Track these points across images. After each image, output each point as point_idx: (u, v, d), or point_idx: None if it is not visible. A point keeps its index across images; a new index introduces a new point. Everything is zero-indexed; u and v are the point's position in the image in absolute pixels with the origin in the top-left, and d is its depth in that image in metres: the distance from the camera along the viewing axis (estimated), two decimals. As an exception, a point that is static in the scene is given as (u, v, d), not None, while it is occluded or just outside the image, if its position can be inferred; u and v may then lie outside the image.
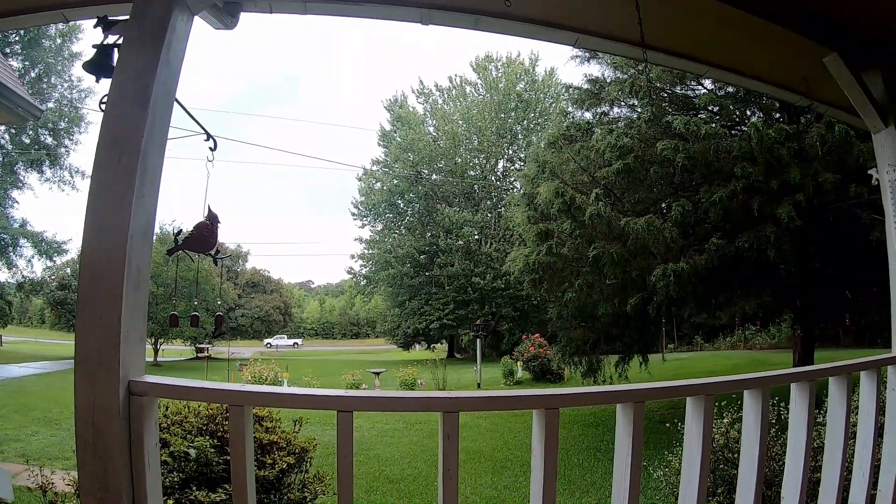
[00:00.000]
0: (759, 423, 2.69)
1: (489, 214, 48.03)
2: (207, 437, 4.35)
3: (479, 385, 23.74)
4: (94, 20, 2.53)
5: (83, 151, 35.99)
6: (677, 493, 5.94)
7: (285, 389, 2.14)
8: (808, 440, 2.87)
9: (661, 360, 25.81)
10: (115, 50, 2.41)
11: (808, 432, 2.87)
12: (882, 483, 3.31)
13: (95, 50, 2.50)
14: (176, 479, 4.08)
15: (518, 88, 48.67)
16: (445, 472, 2.11)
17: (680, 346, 35.15)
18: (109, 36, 2.50)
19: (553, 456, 2.19)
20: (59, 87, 34.97)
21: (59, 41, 33.96)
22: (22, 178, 34.52)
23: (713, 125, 11.61)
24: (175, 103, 2.27)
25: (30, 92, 30.69)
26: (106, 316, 1.89)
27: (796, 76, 4.20)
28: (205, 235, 2.75)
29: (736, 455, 5.37)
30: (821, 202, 10.96)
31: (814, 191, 10.51)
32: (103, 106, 2.11)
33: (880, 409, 3.27)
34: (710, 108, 13.19)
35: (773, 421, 5.50)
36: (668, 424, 6.14)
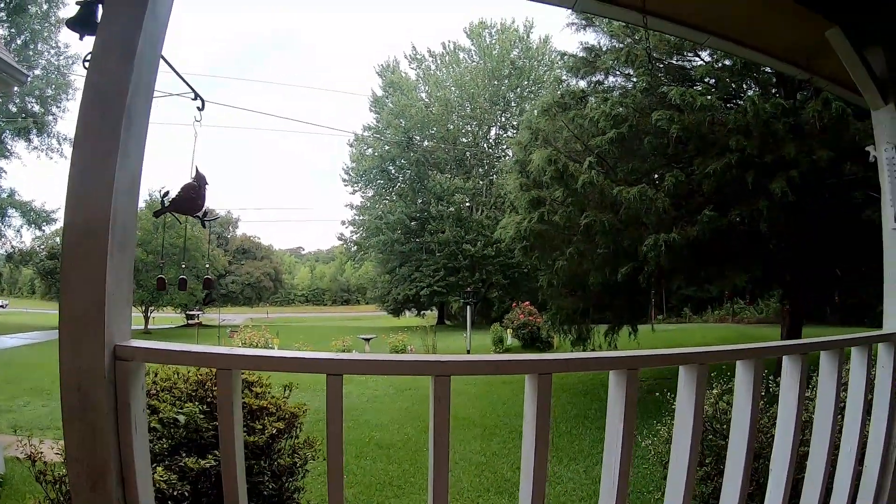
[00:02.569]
0: (751, 394, 2.68)
1: (481, 181, 48.02)
2: (197, 403, 4.33)
3: (468, 351, 23.87)
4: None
5: (70, 119, 35.81)
6: (665, 463, 5.99)
7: (274, 352, 2.16)
8: (798, 413, 2.87)
9: (650, 330, 25.96)
10: (100, 6, 2.35)
11: (798, 405, 2.87)
12: (868, 459, 3.33)
13: (79, 6, 2.44)
14: (165, 445, 4.06)
15: (512, 55, 48.43)
16: (437, 437, 2.10)
17: (669, 317, 35.39)
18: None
19: (545, 422, 2.18)
20: (46, 53, 34.72)
21: (45, 7, 33.46)
22: (9, 147, 34.30)
23: (709, 97, 11.55)
24: (161, 60, 2.21)
25: (16, 59, 30.29)
26: (91, 277, 1.85)
27: (797, 48, 4.16)
28: (192, 197, 2.70)
29: (724, 426, 5.41)
30: (815, 179, 10.93)
31: (808, 167, 10.49)
32: (87, 64, 2.05)
33: (869, 386, 3.28)
34: (706, 80, 13.09)
35: (762, 394, 5.53)
36: (657, 394, 6.18)
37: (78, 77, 34.42)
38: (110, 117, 1.90)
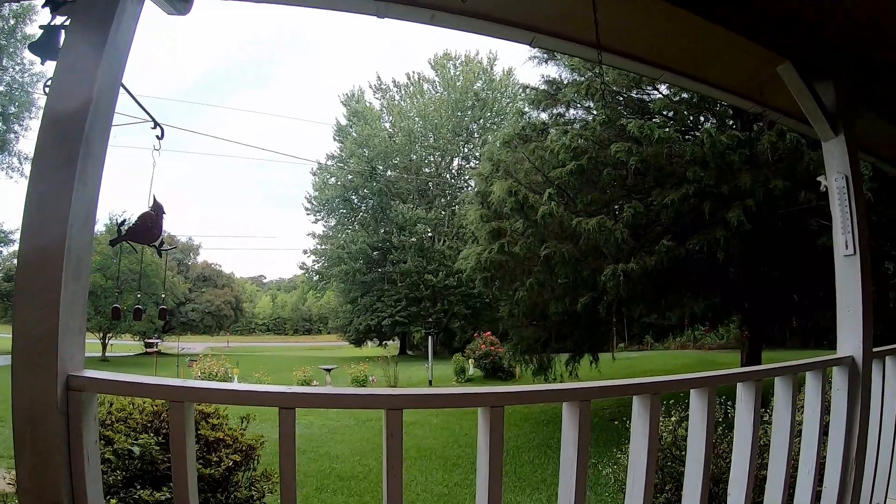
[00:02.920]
0: (705, 421, 2.73)
1: (443, 212, 48.09)
2: (152, 435, 4.26)
3: (430, 382, 23.78)
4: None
5: (33, 137, 34.66)
6: (626, 490, 6.03)
7: (227, 385, 2.16)
8: (753, 438, 2.92)
9: (611, 358, 26.10)
10: (63, 31, 2.35)
11: (753, 430, 2.92)
12: (827, 480, 3.40)
13: (42, 31, 2.44)
14: (120, 477, 3.99)
15: (475, 87, 48.83)
16: (389, 470, 2.11)
17: (630, 345, 35.53)
18: (57, 17, 2.43)
19: (498, 454, 2.20)
20: (11, 70, 33.61)
21: (12, 22, 32.60)
22: None
23: (667, 129, 11.80)
24: (122, 89, 2.21)
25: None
26: (44, 306, 1.84)
27: (750, 83, 4.27)
28: (149, 226, 2.69)
29: (684, 453, 5.46)
30: (770, 207, 11.22)
31: (764, 196, 10.76)
32: (47, 89, 2.06)
33: (825, 409, 3.36)
34: (664, 112, 13.38)
35: (720, 419, 5.60)
36: (616, 422, 6.23)
37: (42, 96, 33.49)
38: (68, 145, 1.91)
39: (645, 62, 3.90)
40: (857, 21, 3.63)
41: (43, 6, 2.45)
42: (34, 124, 33.88)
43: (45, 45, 2.41)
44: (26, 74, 33.97)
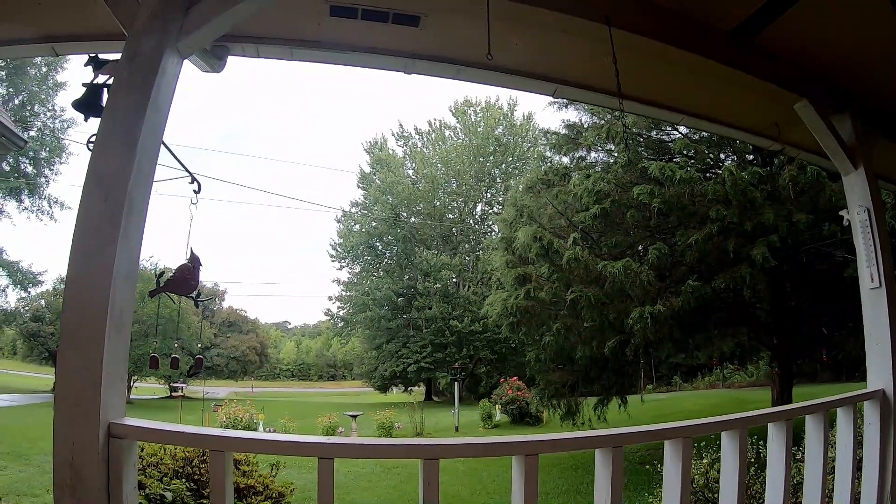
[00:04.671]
0: (737, 463, 2.72)
1: (467, 258, 48.03)
2: (184, 480, 4.29)
3: (456, 428, 23.55)
4: (83, 55, 2.57)
5: (63, 182, 35.32)
6: (657, 537, 5.94)
7: (266, 435, 2.18)
8: (786, 477, 2.90)
9: (639, 401, 25.76)
10: (105, 90, 2.45)
11: (786, 470, 2.90)
12: (863, 515, 3.34)
13: (85, 89, 2.53)
14: (151, 523, 4.02)
15: (496, 132, 49.06)
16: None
17: (659, 386, 35.10)
18: (99, 76, 2.53)
19: (533, 502, 2.20)
20: (42, 115, 34.01)
21: (44, 69, 33.07)
22: (1, 206, 33.81)
23: (688, 169, 11.82)
24: (162, 146, 2.29)
25: (12, 119, 30.24)
26: (88, 357, 1.89)
27: (768, 122, 4.32)
28: (186, 278, 2.76)
29: (717, 495, 5.39)
30: (795, 242, 11.18)
31: (787, 231, 10.73)
32: (91, 146, 2.13)
33: (858, 444, 3.32)
34: (684, 152, 13.40)
35: (753, 459, 5.53)
36: (647, 466, 6.15)
37: (72, 142, 33.88)
38: (112, 203, 1.97)
39: (664, 107, 3.97)
40: (872, 53, 3.67)
41: (85, 65, 2.57)
42: (64, 169, 34.46)
43: (88, 103, 2.52)
44: (57, 120, 34.56)
